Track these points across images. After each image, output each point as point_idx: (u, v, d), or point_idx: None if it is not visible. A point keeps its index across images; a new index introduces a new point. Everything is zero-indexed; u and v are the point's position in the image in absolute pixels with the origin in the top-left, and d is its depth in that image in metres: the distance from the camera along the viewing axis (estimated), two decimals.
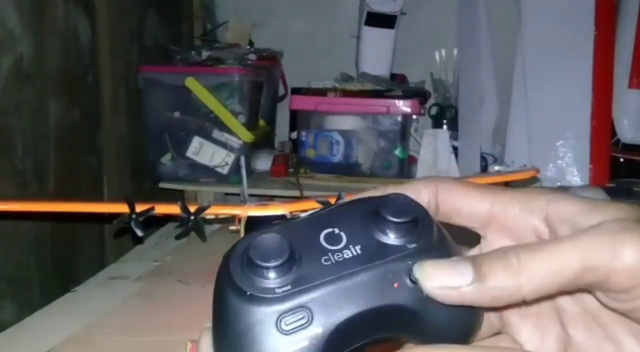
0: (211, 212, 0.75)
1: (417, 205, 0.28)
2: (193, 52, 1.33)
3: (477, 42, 1.42)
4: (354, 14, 1.49)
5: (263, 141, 1.43)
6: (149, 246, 0.98)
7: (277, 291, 0.25)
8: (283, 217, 0.74)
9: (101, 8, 1.10)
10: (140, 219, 0.71)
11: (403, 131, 1.32)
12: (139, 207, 0.71)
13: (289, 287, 0.25)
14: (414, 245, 0.27)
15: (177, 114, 1.25)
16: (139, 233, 0.71)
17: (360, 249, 0.27)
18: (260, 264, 0.25)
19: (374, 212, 0.27)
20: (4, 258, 0.86)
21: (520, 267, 0.25)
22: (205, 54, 1.33)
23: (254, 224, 0.74)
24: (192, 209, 0.73)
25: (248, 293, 0.25)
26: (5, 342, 0.65)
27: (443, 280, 0.25)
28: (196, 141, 1.25)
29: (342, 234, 0.27)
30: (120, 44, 1.18)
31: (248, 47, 1.52)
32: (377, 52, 1.44)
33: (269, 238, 0.26)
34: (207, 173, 1.26)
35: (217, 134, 1.25)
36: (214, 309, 0.27)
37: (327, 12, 1.62)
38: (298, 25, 1.63)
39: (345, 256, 0.26)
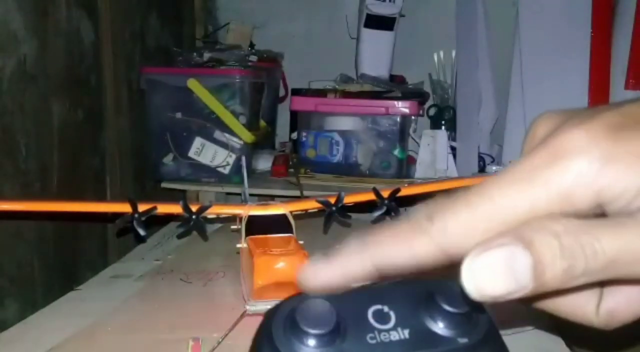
0: (213, 212, 0.76)
1: None
2: (195, 54, 1.34)
3: (475, 44, 1.42)
4: (354, 16, 1.49)
5: (264, 142, 1.44)
6: (151, 245, 0.99)
7: None
8: (283, 216, 0.75)
9: (104, 10, 1.11)
10: (143, 218, 0.71)
11: (402, 132, 1.33)
12: (142, 207, 0.71)
13: None
14: (465, 340, 0.25)
15: (179, 115, 1.26)
16: (142, 232, 0.71)
17: (409, 333, 0.25)
18: (305, 330, 0.24)
19: (427, 296, 0.26)
20: (7, 257, 0.87)
21: None
22: (206, 55, 1.33)
23: (254, 223, 0.74)
24: (194, 208, 0.73)
25: None
26: (8, 340, 0.65)
27: None
28: (198, 142, 1.26)
29: (392, 313, 0.26)
30: (122, 46, 1.19)
31: (249, 48, 1.52)
32: (376, 54, 1.45)
33: (317, 304, 0.25)
34: (208, 173, 1.27)
35: (218, 134, 1.26)
36: None
37: (327, 14, 1.63)
38: (298, 27, 1.64)
39: (392, 337, 0.25)
